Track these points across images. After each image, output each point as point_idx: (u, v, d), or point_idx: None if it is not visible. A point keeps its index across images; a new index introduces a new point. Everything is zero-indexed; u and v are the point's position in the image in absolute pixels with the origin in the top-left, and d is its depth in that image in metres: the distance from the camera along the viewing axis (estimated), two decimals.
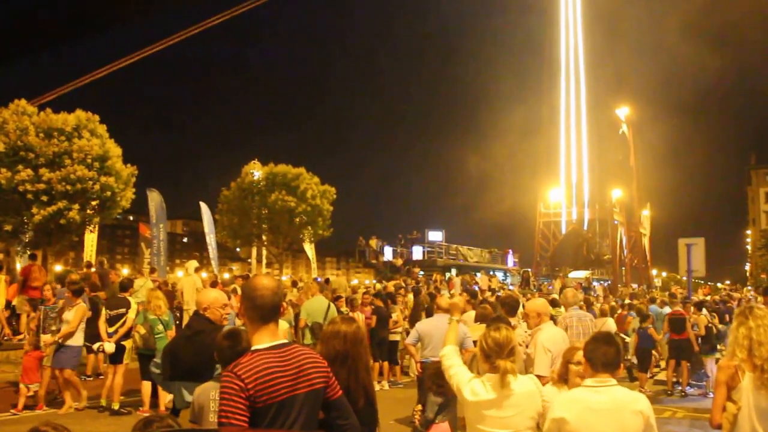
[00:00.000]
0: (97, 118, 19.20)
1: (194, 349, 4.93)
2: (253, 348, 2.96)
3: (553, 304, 12.47)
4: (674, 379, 13.48)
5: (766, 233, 42.28)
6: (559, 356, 5.60)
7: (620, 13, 77.61)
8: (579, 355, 4.34)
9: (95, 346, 10.75)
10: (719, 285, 57.75)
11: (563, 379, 4.52)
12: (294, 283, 21.79)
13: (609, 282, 50.58)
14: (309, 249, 32.32)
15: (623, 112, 58.75)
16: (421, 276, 31.15)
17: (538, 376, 4.81)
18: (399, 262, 35.72)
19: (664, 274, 73.70)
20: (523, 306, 8.23)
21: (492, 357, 3.97)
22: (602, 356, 3.62)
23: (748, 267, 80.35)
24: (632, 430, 3.45)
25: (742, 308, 4.68)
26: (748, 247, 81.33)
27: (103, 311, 10.76)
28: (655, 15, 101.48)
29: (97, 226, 20.18)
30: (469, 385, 4.03)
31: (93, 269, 17.24)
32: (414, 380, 11.05)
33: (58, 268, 25.02)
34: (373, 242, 38.60)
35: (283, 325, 11.10)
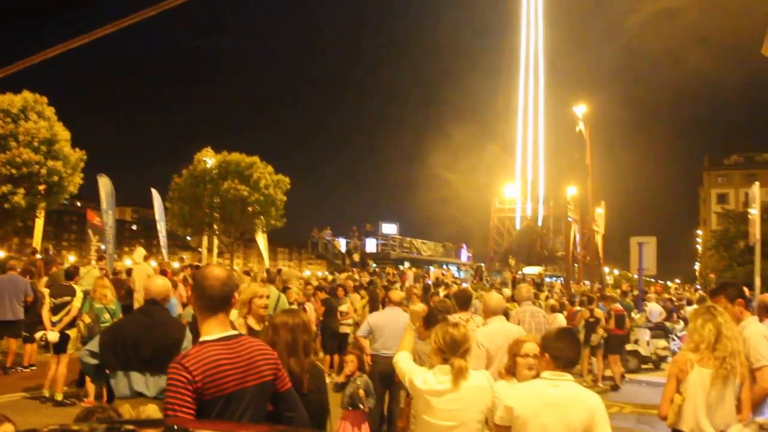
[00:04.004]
0: (45, 99, 18.68)
1: (159, 339, 4.83)
2: (201, 339, 2.93)
3: (512, 298, 12.67)
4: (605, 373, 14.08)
5: (716, 234, 43.11)
6: (497, 352, 5.72)
7: (582, 12, 79.01)
8: (525, 348, 4.47)
9: (38, 335, 10.44)
10: (669, 283, 59.06)
11: (511, 372, 4.56)
12: (247, 272, 21.58)
13: (562, 278, 51.35)
14: (261, 239, 32.05)
15: (580, 110, 59.51)
16: (374, 269, 31.17)
17: None
18: (357, 257, 35.56)
19: (616, 271, 74.96)
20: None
21: (446, 353, 4.02)
22: (568, 354, 3.69)
23: (697, 266, 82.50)
24: (577, 425, 3.51)
25: (704, 307, 4.75)
26: (699, 247, 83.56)
27: (47, 299, 10.46)
28: (616, 16, 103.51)
29: (43, 211, 19.64)
30: (421, 375, 4.09)
31: (39, 256, 16.78)
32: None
33: (1, 254, 24.26)
34: (326, 232, 38.54)
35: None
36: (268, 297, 5.90)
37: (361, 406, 6.02)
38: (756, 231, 13.72)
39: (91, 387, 9.38)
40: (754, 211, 14.10)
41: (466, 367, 4.01)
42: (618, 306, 14.64)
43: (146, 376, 4.74)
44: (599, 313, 14.20)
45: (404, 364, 4.34)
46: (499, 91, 66.74)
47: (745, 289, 6.22)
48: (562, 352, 3.69)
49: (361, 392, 6.05)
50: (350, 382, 6.14)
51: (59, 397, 9.69)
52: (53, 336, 9.85)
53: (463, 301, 7.61)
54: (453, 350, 4.00)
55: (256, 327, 5.66)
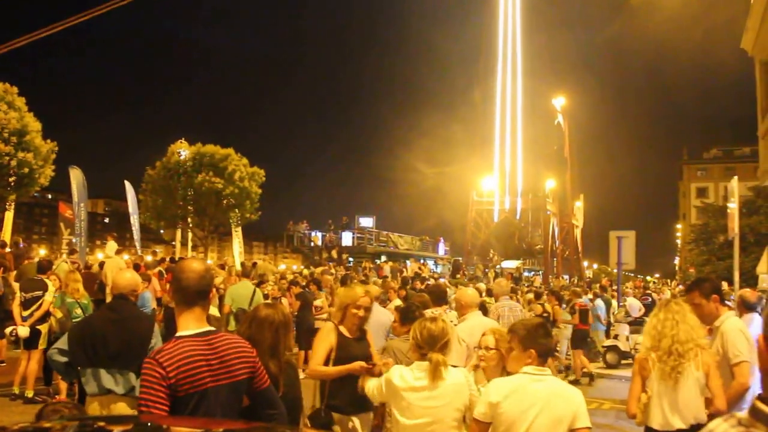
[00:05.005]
0: (15, 90, 18.36)
1: (125, 335, 4.76)
2: (177, 334, 2.91)
3: (489, 293, 12.71)
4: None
5: (696, 228, 43.37)
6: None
7: (561, 3, 79.01)
8: (480, 341, 4.53)
9: (8, 330, 10.21)
10: (648, 278, 59.45)
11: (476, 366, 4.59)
12: (222, 266, 21.38)
13: (541, 272, 51.46)
14: (236, 232, 31.80)
15: (559, 102, 59.34)
16: (350, 263, 31.03)
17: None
18: (335, 253, 35.30)
19: (595, 266, 75.35)
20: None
21: (424, 348, 4.00)
22: (549, 348, 3.72)
23: (677, 261, 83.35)
24: (563, 419, 3.50)
25: (662, 301, 4.94)
26: (678, 241, 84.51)
27: (18, 293, 10.23)
28: (596, 8, 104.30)
29: (13, 203, 19.28)
30: (398, 372, 4.06)
31: (8, 249, 16.44)
32: None
33: None
34: (302, 226, 38.37)
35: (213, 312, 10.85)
36: (367, 309, 5.13)
37: None
38: (735, 225, 13.78)
39: (63, 384, 9.20)
40: (733, 205, 14.18)
41: (444, 362, 3.98)
42: (581, 301, 14.78)
43: (114, 373, 4.69)
44: (550, 307, 14.39)
45: (372, 382, 4.37)
46: (476, 83, 66.31)
47: (725, 284, 6.32)
48: (544, 346, 3.69)
49: None
50: None
51: (30, 394, 9.46)
52: (24, 331, 9.63)
53: (437, 296, 7.56)
54: (431, 345, 3.98)
55: (348, 335, 5.06)
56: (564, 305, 15.39)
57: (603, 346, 15.89)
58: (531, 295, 16.09)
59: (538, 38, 65.76)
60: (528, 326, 3.82)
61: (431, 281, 19.87)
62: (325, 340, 4.98)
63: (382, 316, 8.08)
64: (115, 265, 14.73)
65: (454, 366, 4.90)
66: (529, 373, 3.61)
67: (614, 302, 18.99)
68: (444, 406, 3.92)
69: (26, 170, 18.02)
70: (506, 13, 65.03)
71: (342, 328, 5.05)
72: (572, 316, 14.25)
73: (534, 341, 3.69)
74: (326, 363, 4.91)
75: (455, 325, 6.48)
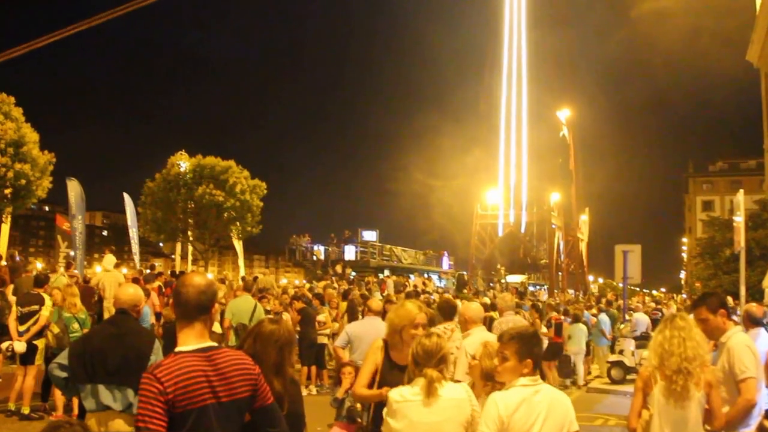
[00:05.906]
0: (12, 100, 18.32)
1: (125, 350, 4.69)
2: (176, 350, 2.88)
3: (494, 307, 12.83)
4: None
5: (702, 242, 43.04)
6: None
7: (567, 16, 78.93)
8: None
9: (4, 346, 10.08)
10: (654, 292, 59.04)
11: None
12: (222, 280, 21.28)
13: (546, 287, 51.20)
14: (237, 246, 31.69)
15: (564, 114, 59.13)
16: (353, 277, 30.86)
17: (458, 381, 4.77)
18: (339, 268, 35.08)
19: (600, 280, 74.82)
20: None
21: (421, 364, 4.00)
22: (540, 354, 3.79)
23: (683, 275, 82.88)
24: (561, 426, 3.61)
25: (667, 316, 4.83)
26: (684, 255, 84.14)
27: (14, 308, 10.12)
28: (601, 20, 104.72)
29: (9, 216, 19.18)
30: (398, 389, 4.05)
31: (4, 263, 16.34)
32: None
33: None
34: (304, 239, 38.25)
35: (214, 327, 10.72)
36: (425, 327, 4.66)
37: (359, 420, 5.82)
38: (741, 239, 13.70)
39: (59, 400, 9.09)
40: (739, 219, 14.14)
41: (439, 378, 3.95)
42: (556, 314, 15.14)
43: (113, 389, 4.63)
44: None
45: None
46: (481, 95, 65.99)
47: (730, 299, 6.28)
48: (539, 355, 3.80)
49: (358, 406, 5.86)
50: (347, 396, 5.94)
51: (26, 410, 9.36)
52: (20, 346, 9.51)
53: (447, 312, 7.50)
54: (426, 361, 3.99)
55: (397, 361, 4.64)
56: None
57: (608, 362, 15.85)
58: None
59: (543, 50, 65.46)
60: (524, 335, 3.83)
61: (435, 296, 19.76)
62: (371, 359, 4.79)
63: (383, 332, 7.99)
64: (114, 279, 14.63)
65: (458, 381, 4.85)
66: (528, 385, 3.66)
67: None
68: (445, 421, 3.88)
69: (23, 182, 17.92)
70: (511, 23, 64.90)
71: (393, 352, 4.77)
72: (548, 329, 14.50)
73: (530, 351, 3.73)
74: (371, 384, 4.69)
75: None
